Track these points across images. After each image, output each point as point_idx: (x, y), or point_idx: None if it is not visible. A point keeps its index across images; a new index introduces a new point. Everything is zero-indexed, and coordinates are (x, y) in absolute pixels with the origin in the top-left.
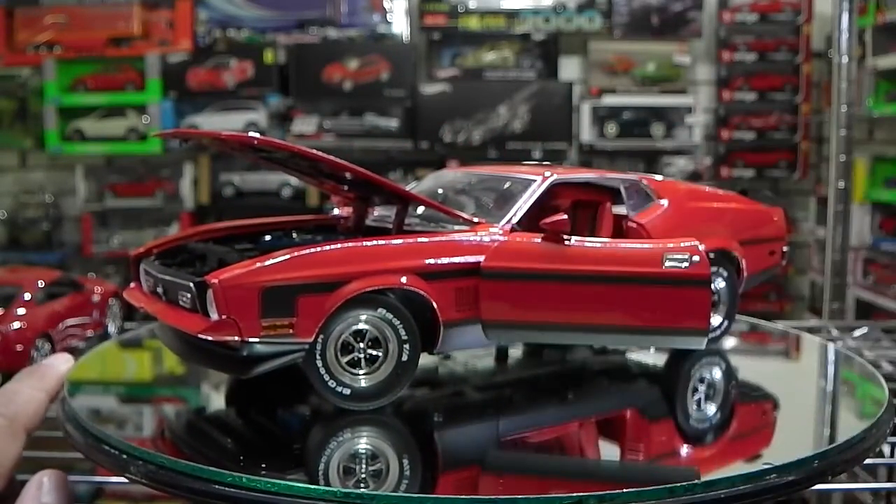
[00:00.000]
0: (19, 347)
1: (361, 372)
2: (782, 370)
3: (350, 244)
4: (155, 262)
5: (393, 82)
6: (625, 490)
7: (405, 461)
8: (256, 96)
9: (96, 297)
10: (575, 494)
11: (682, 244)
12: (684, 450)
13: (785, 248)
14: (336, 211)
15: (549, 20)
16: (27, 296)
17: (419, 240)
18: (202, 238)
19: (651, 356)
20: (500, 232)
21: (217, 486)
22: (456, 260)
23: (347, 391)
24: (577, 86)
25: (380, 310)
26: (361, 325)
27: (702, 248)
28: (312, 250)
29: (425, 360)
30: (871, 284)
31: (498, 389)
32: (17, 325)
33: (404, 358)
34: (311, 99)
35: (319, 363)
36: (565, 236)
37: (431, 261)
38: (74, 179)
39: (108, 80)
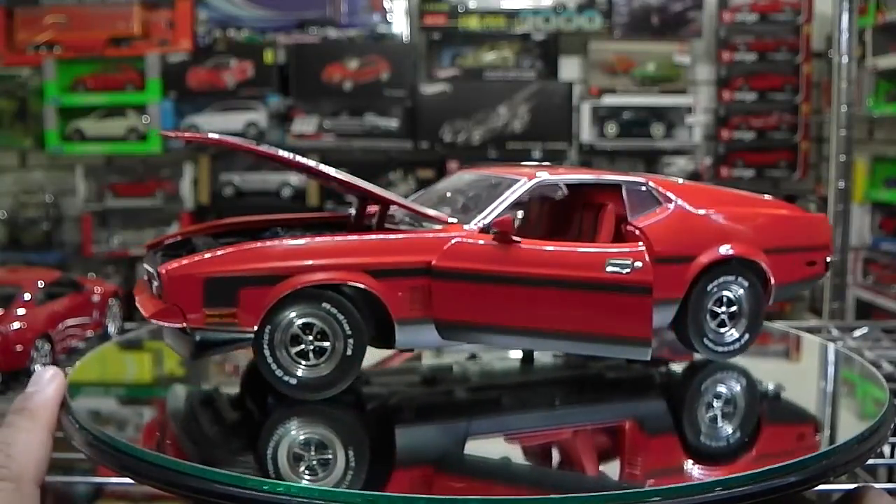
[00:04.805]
0: (19, 347)
1: (308, 364)
2: (783, 371)
3: (296, 240)
4: (157, 255)
5: (393, 82)
6: (624, 491)
7: (351, 455)
8: (256, 96)
9: (96, 298)
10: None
11: (626, 248)
12: (681, 452)
13: (829, 258)
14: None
15: (549, 20)
16: (27, 296)
17: (372, 237)
18: (210, 232)
19: (680, 368)
20: (466, 232)
21: (218, 486)
22: (409, 258)
23: (294, 381)
24: (577, 86)
25: (324, 304)
26: (307, 319)
27: (644, 251)
28: (257, 245)
29: (441, 358)
30: (871, 284)
31: (491, 391)
32: (17, 325)
33: (349, 353)
34: (311, 99)
35: (267, 352)
36: (515, 238)
37: (383, 258)
38: (74, 179)
39: (108, 80)
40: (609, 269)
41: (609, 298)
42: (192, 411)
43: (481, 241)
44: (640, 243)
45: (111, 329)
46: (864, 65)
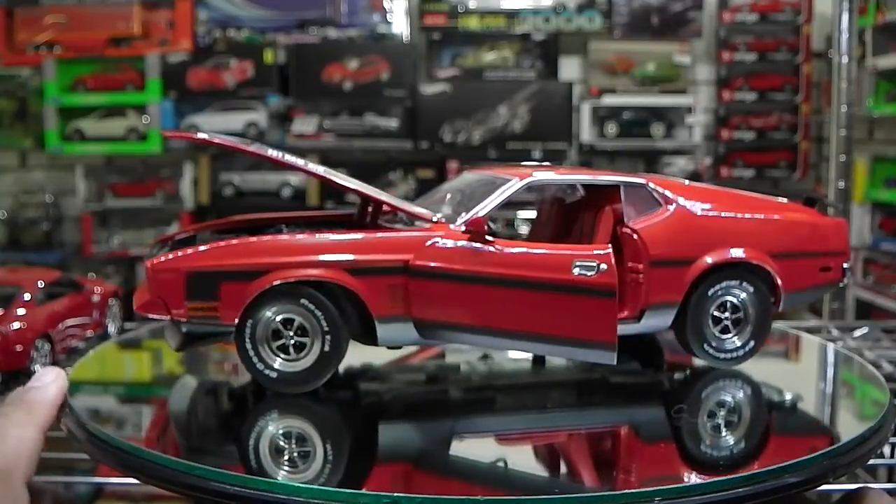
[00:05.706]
0: (19, 348)
1: (288, 358)
2: (782, 371)
3: (278, 237)
4: (158, 251)
5: (393, 82)
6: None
7: (329, 449)
8: (256, 96)
9: (96, 298)
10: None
11: (593, 251)
12: (681, 454)
13: (845, 264)
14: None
15: (549, 20)
16: (27, 296)
17: (353, 235)
18: (216, 230)
19: (684, 373)
20: (446, 232)
21: (216, 485)
22: (388, 257)
23: (274, 374)
24: (577, 86)
25: (302, 301)
26: (286, 315)
27: (610, 254)
28: (237, 241)
29: (453, 357)
30: (871, 284)
31: (488, 391)
32: (16, 325)
33: (326, 348)
34: (311, 99)
35: (248, 346)
36: (488, 238)
37: (362, 256)
38: (74, 179)
39: (108, 80)
40: (575, 270)
41: (575, 301)
42: (187, 409)
43: (456, 242)
44: (609, 245)
45: (111, 329)
46: (864, 65)
